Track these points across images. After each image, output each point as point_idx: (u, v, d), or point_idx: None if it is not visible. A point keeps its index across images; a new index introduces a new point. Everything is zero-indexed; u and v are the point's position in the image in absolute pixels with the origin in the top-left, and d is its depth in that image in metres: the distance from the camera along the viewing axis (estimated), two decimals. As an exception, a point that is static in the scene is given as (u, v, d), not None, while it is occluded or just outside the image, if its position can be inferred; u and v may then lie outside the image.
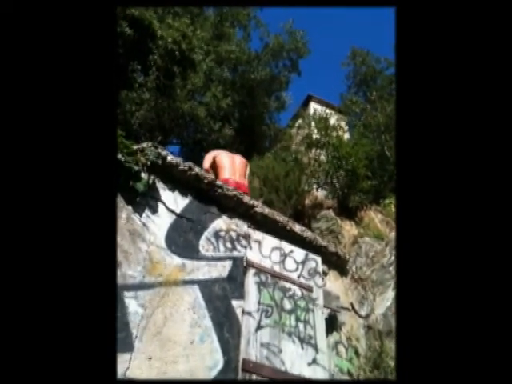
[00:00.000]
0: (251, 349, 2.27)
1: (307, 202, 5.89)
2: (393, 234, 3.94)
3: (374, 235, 4.37)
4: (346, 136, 7.35)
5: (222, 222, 2.68)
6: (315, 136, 6.34)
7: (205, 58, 6.86)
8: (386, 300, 3.07)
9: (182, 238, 2.41)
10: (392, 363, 2.73)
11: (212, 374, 2.10)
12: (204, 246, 2.48)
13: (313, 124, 6.60)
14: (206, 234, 2.54)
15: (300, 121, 7.41)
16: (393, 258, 3.34)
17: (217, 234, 2.60)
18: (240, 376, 2.17)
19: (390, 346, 2.82)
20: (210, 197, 2.70)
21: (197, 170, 2.67)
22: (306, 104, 9.02)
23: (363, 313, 3.08)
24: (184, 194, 2.61)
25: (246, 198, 2.90)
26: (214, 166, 3.96)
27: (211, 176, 2.72)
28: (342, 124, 7.20)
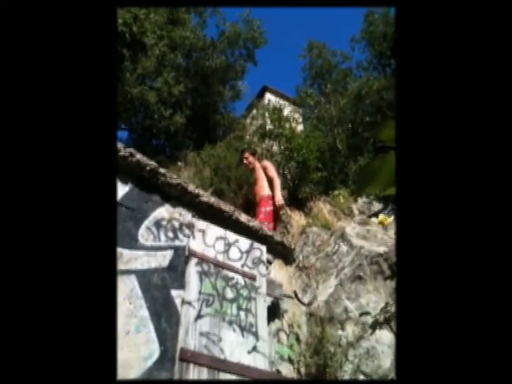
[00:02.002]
0: (190, 338, 2.25)
1: (259, 192, 5.92)
2: (339, 224, 4.04)
3: (321, 225, 4.47)
4: (300, 128, 7.42)
5: (164, 211, 2.62)
6: (269, 127, 6.35)
7: (158, 42, 6.65)
8: (328, 287, 3.14)
9: (120, 227, 2.33)
10: (332, 349, 2.81)
11: (147, 364, 2.06)
12: (144, 235, 2.41)
13: (267, 115, 6.61)
14: (146, 222, 2.47)
15: (254, 111, 7.39)
16: (336, 246, 3.42)
17: (158, 223, 2.54)
18: (177, 366, 2.14)
19: (331, 332, 2.89)
20: (152, 185, 2.63)
21: (138, 156, 2.58)
22: (261, 94, 9.00)
23: (306, 300, 3.14)
24: (124, 181, 2.52)
25: (191, 187, 2.85)
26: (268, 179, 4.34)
27: (153, 163, 2.64)
28: (296, 116, 7.27)
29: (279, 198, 4.13)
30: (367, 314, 2.12)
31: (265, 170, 4.48)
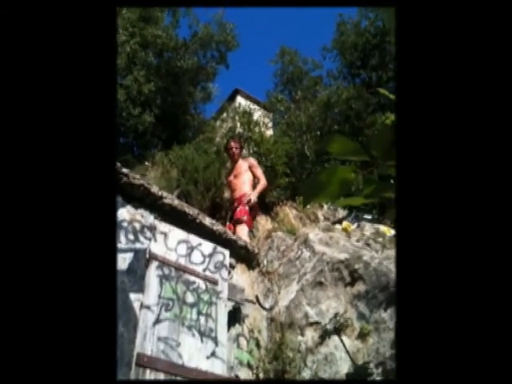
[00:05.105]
0: (147, 343, 2.21)
1: (226, 194, 5.89)
2: (303, 230, 4.09)
3: (287, 230, 4.51)
4: (270, 133, 7.47)
5: (125, 212, 2.56)
6: (238, 130, 6.36)
7: (129, 39, 6.55)
8: (290, 293, 3.17)
9: (78, 228, 2.26)
10: (291, 354, 2.83)
11: (102, 371, 2.01)
12: (102, 236, 2.35)
13: (237, 118, 6.62)
14: (105, 223, 2.41)
15: (225, 114, 7.38)
16: (299, 252, 3.45)
17: (119, 225, 2.48)
18: (133, 371, 2.10)
19: (291, 337, 2.91)
20: (113, 185, 2.56)
21: (100, 155, 2.52)
22: (232, 98, 8.99)
23: (267, 305, 3.15)
24: (84, 180, 2.45)
25: (155, 189, 2.81)
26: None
27: (116, 162, 2.58)
28: (266, 120, 7.31)
29: (254, 195, 4.13)
30: (317, 323, 2.15)
31: (251, 167, 4.44)
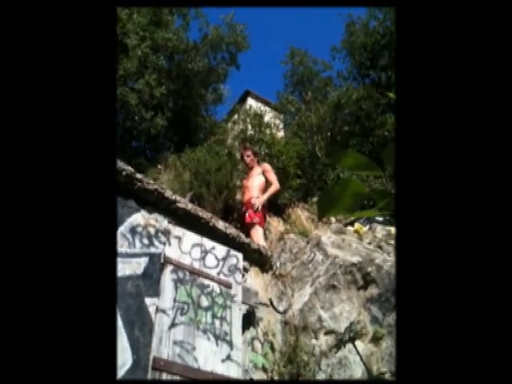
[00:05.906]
0: (163, 347, 2.24)
1: (238, 197, 5.91)
2: (315, 232, 4.08)
3: (299, 232, 4.50)
4: (281, 134, 7.47)
5: (139, 217, 2.60)
6: (249, 132, 6.37)
7: (140, 43, 6.60)
8: (303, 296, 3.17)
9: (95, 233, 2.29)
10: (306, 358, 2.83)
11: (120, 374, 2.04)
12: (118, 241, 2.39)
13: (248, 120, 6.63)
14: (121, 229, 2.44)
15: (236, 116, 7.41)
16: (312, 255, 3.45)
17: (133, 230, 2.51)
18: (150, 375, 2.13)
19: (305, 341, 2.92)
20: (128, 190, 2.60)
21: (115, 161, 2.55)
22: (243, 99, 9.02)
23: (281, 308, 3.16)
24: (100, 186, 2.48)
25: (168, 193, 2.84)
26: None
27: (130, 168, 2.62)
28: (277, 122, 7.31)
29: (259, 201, 4.14)
30: (332, 332, 2.15)
31: (265, 172, 4.48)
